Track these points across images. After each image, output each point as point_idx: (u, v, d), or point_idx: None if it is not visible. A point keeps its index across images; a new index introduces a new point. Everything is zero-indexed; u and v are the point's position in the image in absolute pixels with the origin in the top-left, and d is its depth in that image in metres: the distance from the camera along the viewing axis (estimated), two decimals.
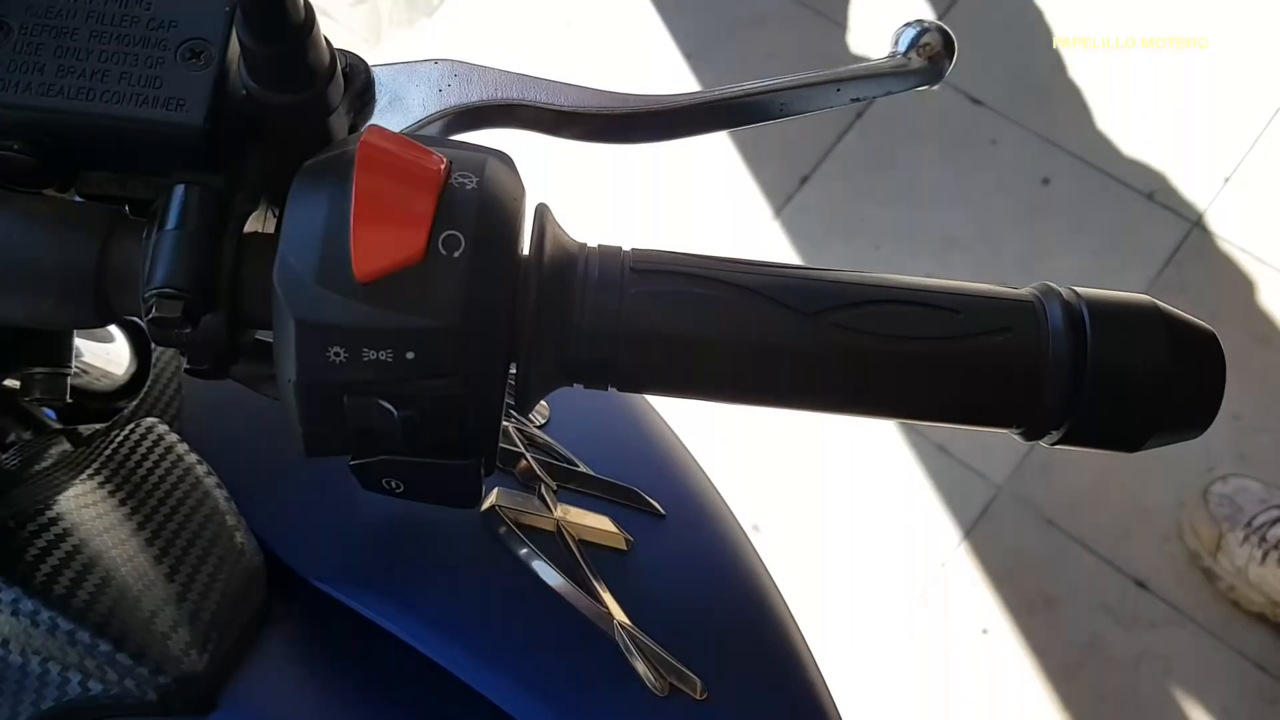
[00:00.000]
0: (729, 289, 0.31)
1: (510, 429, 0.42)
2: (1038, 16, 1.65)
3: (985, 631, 1.36)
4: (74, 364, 0.41)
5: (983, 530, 1.40)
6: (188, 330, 0.30)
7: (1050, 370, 0.31)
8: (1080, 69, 1.61)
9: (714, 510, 0.42)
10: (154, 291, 0.30)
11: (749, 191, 1.58)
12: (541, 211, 0.32)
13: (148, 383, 0.46)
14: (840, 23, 1.66)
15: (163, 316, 0.29)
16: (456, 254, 0.28)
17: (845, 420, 1.36)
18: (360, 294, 0.28)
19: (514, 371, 0.32)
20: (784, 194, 1.57)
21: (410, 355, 0.29)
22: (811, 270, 0.33)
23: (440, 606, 0.37)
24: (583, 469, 0.41)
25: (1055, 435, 0.33)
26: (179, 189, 0.31)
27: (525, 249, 0.31)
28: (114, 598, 0.35)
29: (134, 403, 0.45)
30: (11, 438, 0.42)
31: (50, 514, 0.37)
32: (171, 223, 0.31)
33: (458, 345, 0.29)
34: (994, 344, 0.31)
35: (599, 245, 0.33)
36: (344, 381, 0.29)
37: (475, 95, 0.37)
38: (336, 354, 0.29)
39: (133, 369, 0.47)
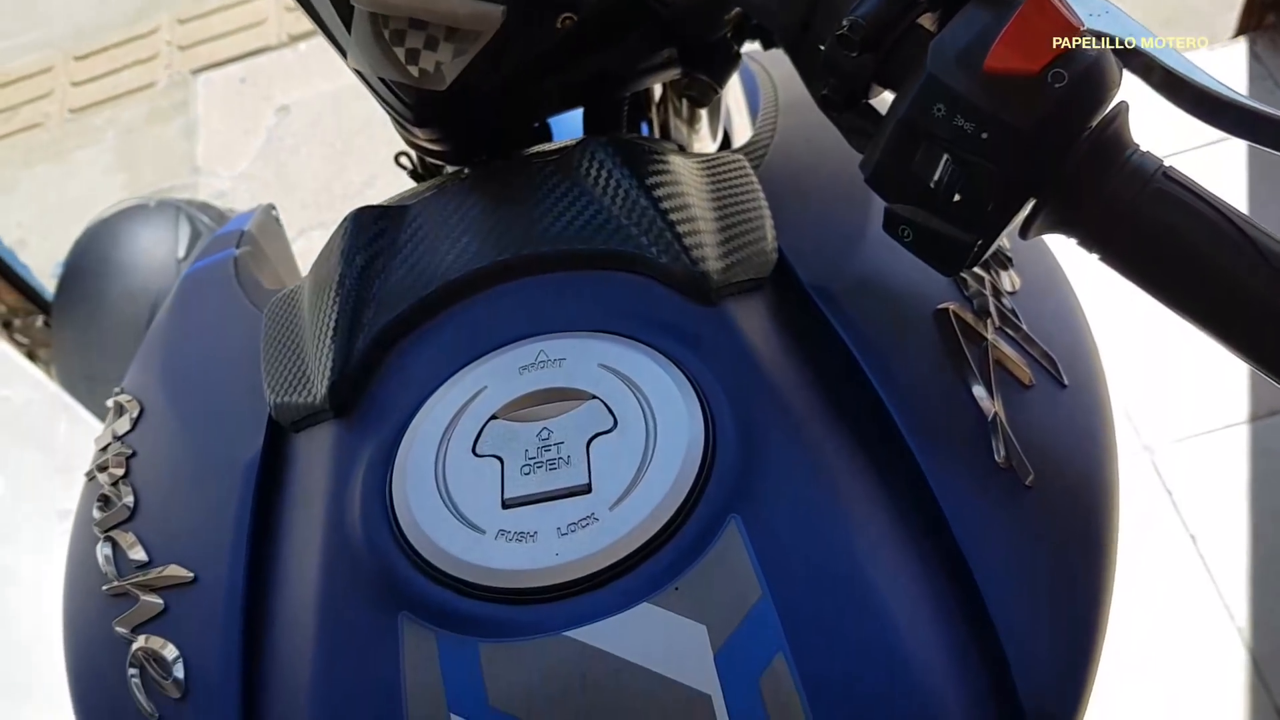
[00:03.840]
0: (1234, 229, 0.36)
1: (997, 254, 0.49)
2: None
3: None
4: None
5: None
6: (853, 56, 0.39)
7: None
8: None
9: (1103, 412, 0.46)
10: (851, 19, 0.38)
11: None
12: (1122, 105, 0.38)
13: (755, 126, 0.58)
14: None
15: (846, 37, 0.38)
16: (1058, 86, 0.35)
17: None
18: (980, 79, 0.35)
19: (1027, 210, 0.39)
20: None
21: (984, 136, 0.36)
22: None
23: (880, 342, 0.44)
24: (1023, 326, 0.46)
25: None
26: None
27: (1097, 118, 0.37)
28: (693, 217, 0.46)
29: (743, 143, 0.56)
30: None
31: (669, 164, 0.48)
32: None
33: (1018, 146, 0.36)
34: None
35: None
36: (931, 132, 0.37)
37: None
38: (939, 110, 0.36)
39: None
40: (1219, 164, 1.68)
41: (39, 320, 1.76)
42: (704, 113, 0.71)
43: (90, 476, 0.52)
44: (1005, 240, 0.50)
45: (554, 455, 0.39)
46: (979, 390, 0.42)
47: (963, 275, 0.47)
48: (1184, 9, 2.10)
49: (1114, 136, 0.37)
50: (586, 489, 0.38)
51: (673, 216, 0.45)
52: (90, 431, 1.34)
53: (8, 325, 1.71)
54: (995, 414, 0.41)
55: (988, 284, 0.47)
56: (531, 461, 0.39)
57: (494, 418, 0.41)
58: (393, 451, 0.41)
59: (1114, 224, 0.37)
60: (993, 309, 0.46)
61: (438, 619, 0.36)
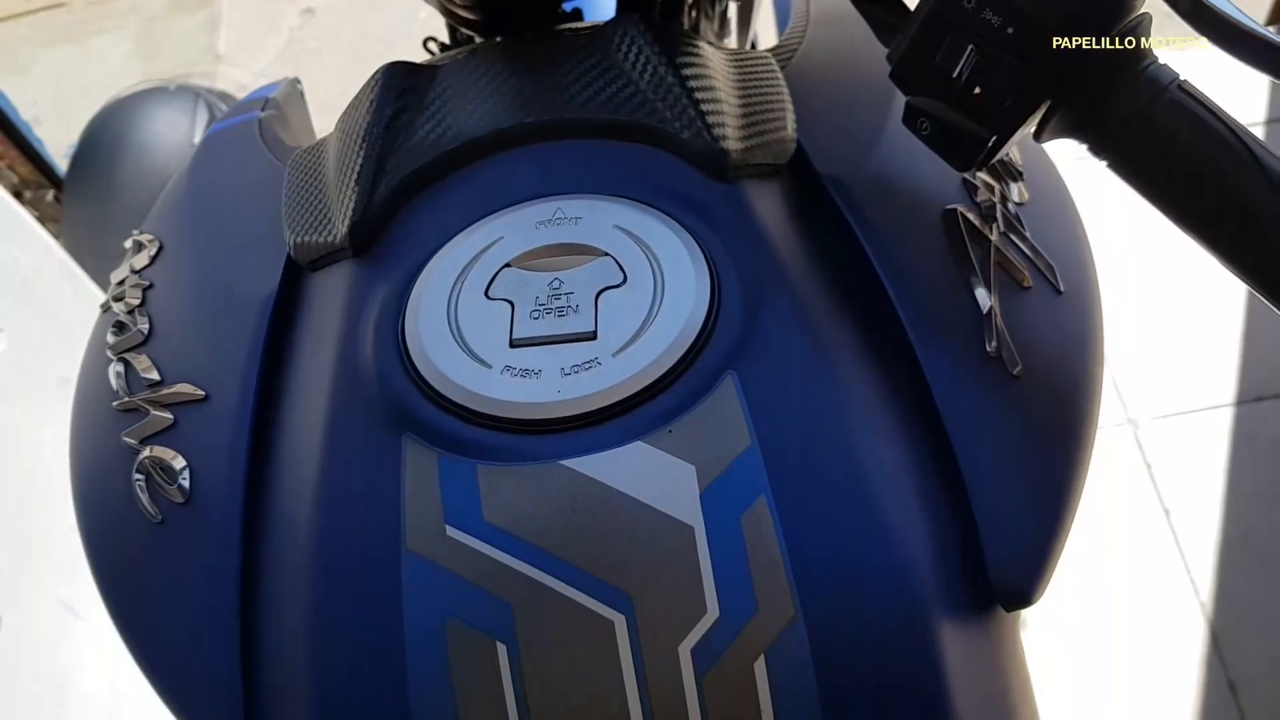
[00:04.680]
0: (1240, 144, 0.37)
1: (992, 166, 0.50)
2: None
3: None
4: None
5: None
6: None
7: None
8: None
9: (1093, 320, 0.48)
10: None
11: None
12: (1145, 16, 0.39)
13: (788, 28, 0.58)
14: None
15: None
16: None
17: None
18: None
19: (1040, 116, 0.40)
20: None
21: (1010, 30, 0.37)
22: None
23: (887, 234, 0.45)
24: (1027, 234, 0.48)
25: None
26: None
27: (1119, 24, 0.38)
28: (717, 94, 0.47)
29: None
30: None
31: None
32: None
33: (1039, 41, 0.37)
34: None
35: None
36: (959, 24, 0.38)
37: None
38: (969, 2, 0.38)
39: None
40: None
41: (49, 195, 1.77)
42: (734, 20, 0.71)
43: (105, 308, 0.54)
44: (1017, 154, 0.52)
45: (563, 303, 0.41)
46: (978, 286, 0.44)
47: (974, 182, 0.48)
48: None
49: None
50: (592, 335, 0.39)
51: (698, 95, 0.46)
52: (95, 302, 1.36)
53: (18, 196, 1.72)
54: (991, 308, 0.43)
55: (997, 192, 0.48)
56: (541, 307, 0.41)
57: (508, 265, 0.42)
58: (408, 290, 0.43)
59: (1125, 130, 0.39)
60: (999, 215, 0.47)
61: (440, 441, 0.38)
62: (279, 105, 0.66)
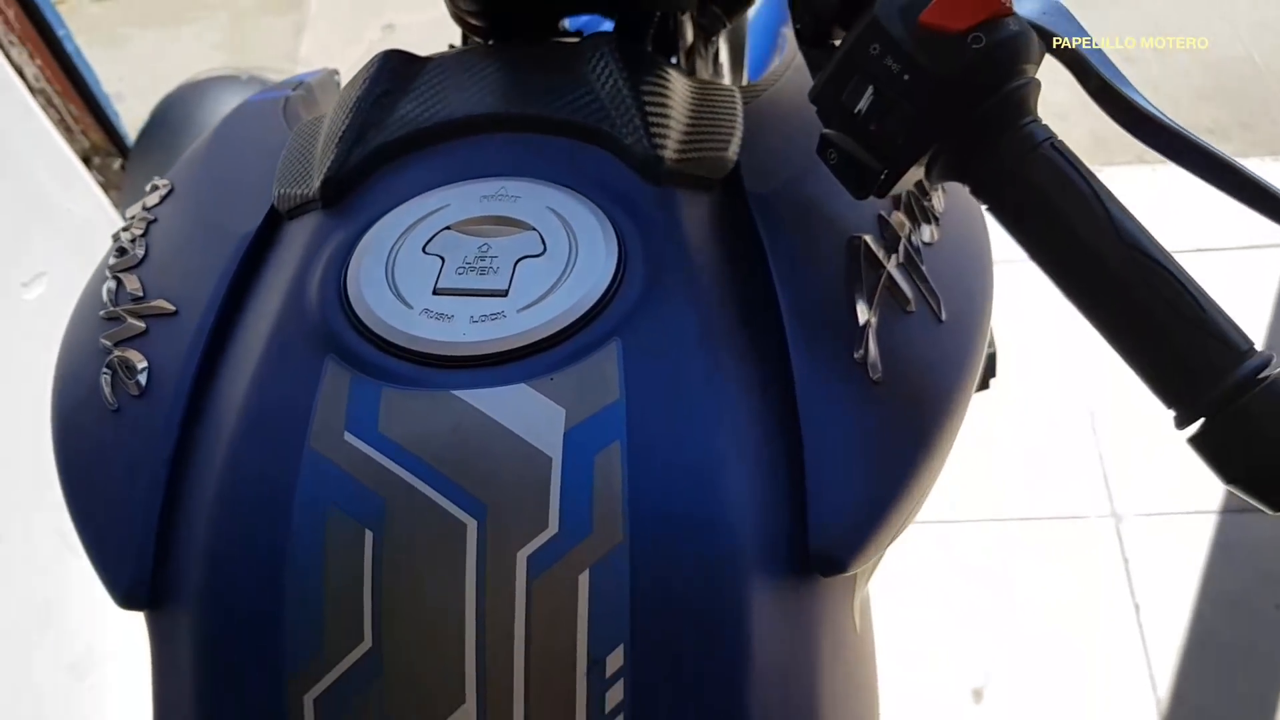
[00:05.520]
0: (1100, 204, 0.42)
1: (910, 208, 0.55)
2: None
3: None
4: None
5: None
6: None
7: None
8: None
9: (969, 351, 0.52)
10: None
11: None
12: (1034, 82, 0.44)
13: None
14: None
15: None
16: (975, 47, 0.42)
17: None
18: (914, 29, 0.42)
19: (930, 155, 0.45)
20: None
21: (906, 78, 0.43)
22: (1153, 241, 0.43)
23: (791, 249, 0.51)
24: (923, 269, 0.52)
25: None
26: None
27: (1007, 85, 0.43)
28: None
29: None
30: None
31: None
32: None
33: (932, 91, 0.42)
34: (1185, 332, 0.41)
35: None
36: (865, 67, 0.44)
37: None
38: (875, 49, 0.43)
39: None
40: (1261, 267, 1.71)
41: (117, 163, 1.87)
42: (726, 62, 0.78)
43: (115, 238, 0.60)
44: (939, 202, 0.57)
45: (486, 264, 0.46)
46: (860, 302, 0.49)
47: (887, 220, 0.53)
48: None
49: (1018, 103, 0.43)
50: (504, 293, 0.45)
51: (648, 109, 0.52)
52: None
53: (87, 161, 1.82)
54: (867, 322, 0.48)
55: (906, 229, 0.53)
56: (467, 265, 0.46)
57: (448, 228, 0.48)
58: (359, 238, 0.49)
59: (999, 179, 0.44)
60: (901, 248, 0.52)
61: (356, 364, 0.44)
62: (311, 89, 0.73)
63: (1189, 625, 1.47)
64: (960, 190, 0.46)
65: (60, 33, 1.70)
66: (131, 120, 1.98)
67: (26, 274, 1.20)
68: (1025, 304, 1.81)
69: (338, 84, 0.85)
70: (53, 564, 1.20)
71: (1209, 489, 1.57)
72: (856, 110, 0.45)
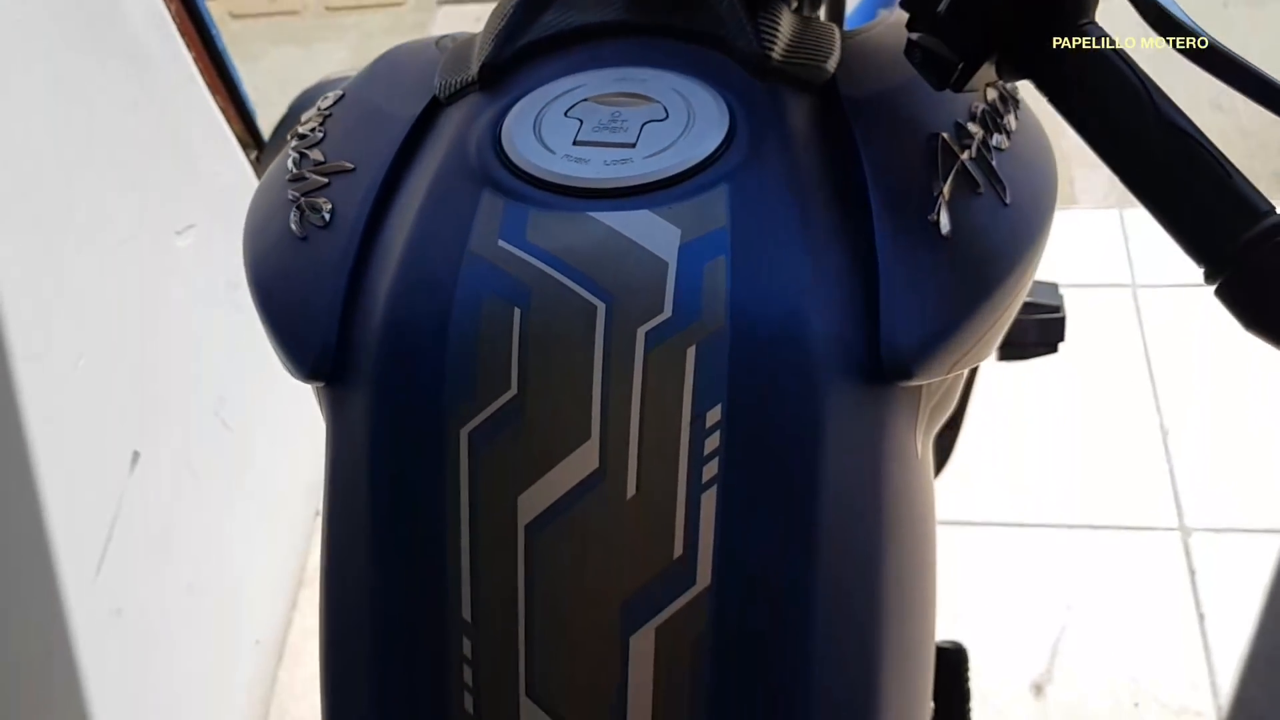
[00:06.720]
0: (1143, 89, 0.49)
1: (984, 121, 0.62)
2: None
3: None
4: None
5: None
6: None
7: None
8: None
9: (1030, 233, 0.59)
10: None
11: None
12: None
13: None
14: None
15: None
16: None
17: None
18: None
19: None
20: None
21: None
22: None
23: (878, 139, 0.58)
24: (993, 163, 0.59)
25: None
26: None
27: None
28: None
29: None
30: None
31: None
32: None
33: None
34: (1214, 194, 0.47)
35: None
36: None
37: None
38: None
39: None
40: None
41: (253, 155, 2.02)
42: (823, 8, 0.87)
43: (292, 136, 0.71)
44: (1013, 120, 0.65)
45: (618, 125, 0.56)
46: (935, 180, 0.57)
47: (965, 126, 0.62)
48: None
49: (1076, 5, 0.52)
50: (632, 145, 0.54)
51: (760, 23, 0.62)
52: None
53: None
54: (940, 192, 0.56)
55: (979, 136, 0.62)
56: (601, 125, 0.56)
57: (586, 100, 0.58)
58: (511, 107, 0.59)
59: (1060, 77, 0.51)
60: (974, 146, 0.60)
61: (509, 194, 0.53)
62: (453, 40, 0.84)
63: (1253, 639, 1.50)
64: (1031, 118, 0.53)
65: (213, 31, 1.87)
66: (263, 128, 2.15)
67: (180, 224, 1.33)
68: (1101, 331, 1.86)
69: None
70: (174, 499, 1.32)
71: (1277, 509, 1.59)
72: (939, 9, 0.53)
